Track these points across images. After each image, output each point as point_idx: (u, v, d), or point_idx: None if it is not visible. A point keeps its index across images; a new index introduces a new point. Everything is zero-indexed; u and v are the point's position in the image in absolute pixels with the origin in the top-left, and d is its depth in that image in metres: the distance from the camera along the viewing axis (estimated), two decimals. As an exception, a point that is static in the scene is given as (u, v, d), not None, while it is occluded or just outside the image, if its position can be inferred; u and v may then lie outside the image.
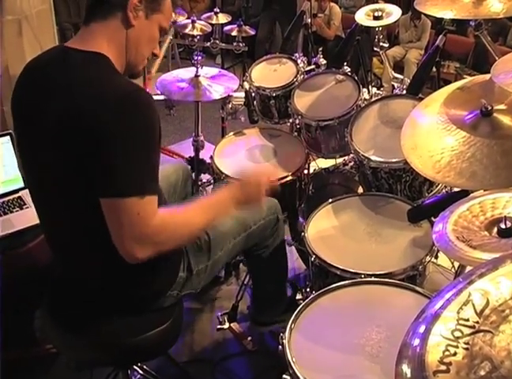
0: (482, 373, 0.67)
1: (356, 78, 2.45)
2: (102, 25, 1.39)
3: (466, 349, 0.71)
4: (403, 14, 2.78)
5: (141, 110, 1.30)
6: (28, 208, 2.17)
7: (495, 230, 1.33)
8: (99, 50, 1.38)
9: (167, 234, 1.38)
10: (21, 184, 2.26)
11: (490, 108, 1.46)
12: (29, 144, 1.45)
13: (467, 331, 0.73)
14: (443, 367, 0.71)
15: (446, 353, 0.72)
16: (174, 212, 1.43)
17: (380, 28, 2.56)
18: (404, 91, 2.27)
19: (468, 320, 0.75)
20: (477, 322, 0.74)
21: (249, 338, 2.27)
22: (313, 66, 2.75)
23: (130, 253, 1.32)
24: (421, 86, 2.16)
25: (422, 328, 0.77)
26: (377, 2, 4.21)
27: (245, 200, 1.59)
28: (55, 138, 1.33)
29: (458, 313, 0.76)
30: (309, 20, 2.95)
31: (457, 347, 0.72)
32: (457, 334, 0.74)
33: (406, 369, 0.74)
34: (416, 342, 0.76)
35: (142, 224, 1.30)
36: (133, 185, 1.29)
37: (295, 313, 1.44)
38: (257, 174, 1.68)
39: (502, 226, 1.30)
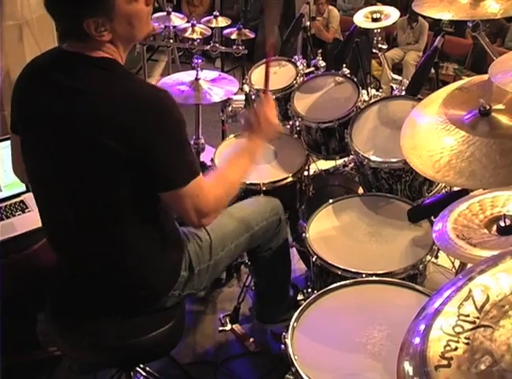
0: (482, 367, 0.68)
1: (355, 80, 2.46)
2: (86, 43, 1.34)
3: (467, 344, 0.71)
4: (401, 16, 2.80)
5: (169, 105, 1.35)
6: (30, 211, 2.18)
7: (495, 228, 1.34)
8: (104, 55, 1.37)
9: (221, 199, 1.49)
10: (23, 188, 2.27)
11: (488, 108, 1.47)
12: (35, 145, 1.44)
13: (468, 326, 0.74)
14: (445, 362, 0.71)
15: (447, 348, 0.72)
16: (217, 178, 1.52)
17: (378, 30, 2.58)
18: (403, 92, 2.29)
19: (468, 315, 0.75)
20: (478, 317, 0.74)
21: (251, 339, 2.28)
22: (312, 69, 2.77)
23: (201, 225, 1.49)
24: (420, 87, 2.17)
25: (423, 325, 0.78)
26: (375, 5, 4.23)
27: (264, 134, 1.67)
28: (72, 140, 1.33)
29: (459, 308, 0.76)
30: (308, 23, 2.96)
31: (457, 342, 0.72)
32: (458, 329, 0.74)
33: (408, 366, 0.75)
34: (417, 338, 0.76)
35: (203, 203, 1.42)
36: (186, 174, 1.37)
37: (298, 312, 1.45)
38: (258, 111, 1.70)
39: (502, 224, 1.30)
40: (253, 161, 1.64)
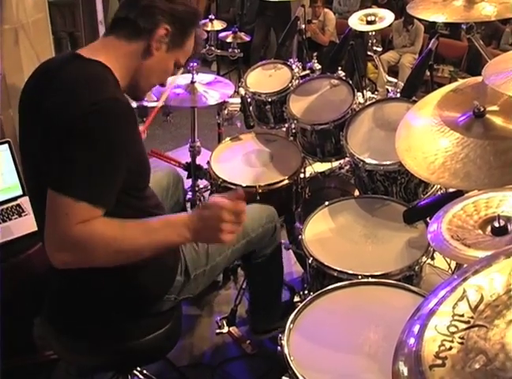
0: (477, 366, 0.68)
1: (351, 82, 2.47)
2: (122, 44, 1.40)
3: (461, 343, 0.72)
4: (396, 19, 2.81)
5: (111, 120, 1.29)
6: (26, 215, 2.18)
7: (489, 228, 1.35)
8: (105, 62, 1.38)
9: (91, 244, 1.27)
10: (20, 191, 2.27)
11: (482, 109, 1.48)
12: (27, 147, 1.45)
13: (462, 326, 0.74)
14: (439, 361, 0.71)
15: (442, 348, 0.73)
16: (109, 224, 1.29)
17: (373, 33, 2.59)
18: (398, 95, 2.30)
19: (463, 315, 0.75)
20: (472, 317, 0.74)
21: (248, 341, 2.28)
22: (308, 71, 2.79)
23: (49, 253, 1.28)
24: (415, 89, 2.18)
25: (418, 325, 0.78)
26: (370, 7, 4.24)
27: (203, 234, 1.38)
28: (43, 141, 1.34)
29: (453, 308, 0.77)
30: (303, 26, 2.97)
31: (452, 341, 0.73)
32: (453, 329, 0.75)
33: (403, 366, 0.75)
34: (412, 339, 0.77)
35: (65, 225, 1.24)
36: (73, 187, 1.25)
37: (294, 313, 1.45)
38: (220, 207, 1.35)
39: (496, 224, 1.32)
40: (169, 241, 1.37)
